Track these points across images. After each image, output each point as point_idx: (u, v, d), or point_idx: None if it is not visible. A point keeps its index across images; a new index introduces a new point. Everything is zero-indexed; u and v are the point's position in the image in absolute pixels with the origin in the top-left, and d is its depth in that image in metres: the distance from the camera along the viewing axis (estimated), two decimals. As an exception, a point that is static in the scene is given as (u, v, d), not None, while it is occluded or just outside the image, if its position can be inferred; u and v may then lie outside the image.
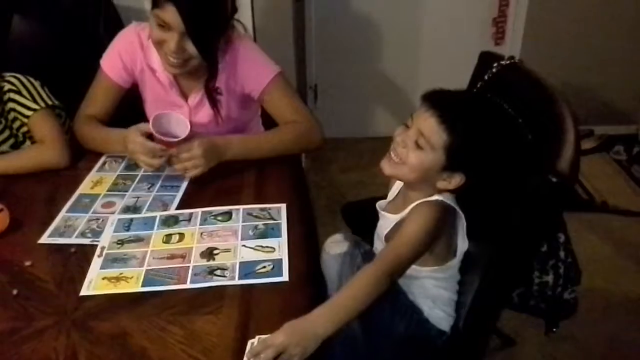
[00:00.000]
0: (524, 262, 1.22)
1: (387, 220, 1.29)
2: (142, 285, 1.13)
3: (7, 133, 1.58)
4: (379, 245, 1.34)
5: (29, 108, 1.53)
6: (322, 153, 2.92)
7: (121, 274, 1.16)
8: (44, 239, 1.28)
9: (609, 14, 2.99)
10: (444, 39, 3.08)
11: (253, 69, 1.55)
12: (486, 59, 1.39)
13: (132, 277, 1.15)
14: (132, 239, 1.26)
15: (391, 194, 1.36)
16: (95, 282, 1.15)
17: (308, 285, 1.13)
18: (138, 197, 1.41)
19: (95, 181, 1.47)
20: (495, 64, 1.32)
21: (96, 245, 1.25)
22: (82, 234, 1.29)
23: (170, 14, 1.35)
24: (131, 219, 1.32)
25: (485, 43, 3.00)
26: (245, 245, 1.23)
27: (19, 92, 1.54)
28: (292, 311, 1.05)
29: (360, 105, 3.30)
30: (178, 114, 1.47)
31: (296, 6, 2.73)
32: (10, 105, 1.53)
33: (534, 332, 1.94)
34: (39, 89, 1.58)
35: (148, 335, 1.03)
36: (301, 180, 1.51)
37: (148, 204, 1.38)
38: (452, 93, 1.18)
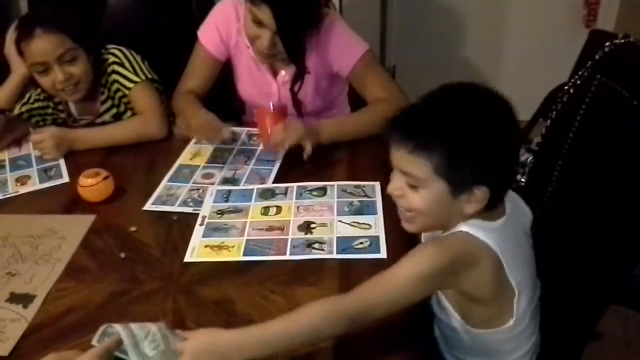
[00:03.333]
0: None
1: None
2: (244, 255, 1.16)
3: (109, 103, 1.65)
4: None
5: (130, 80, 1.58)
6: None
7: (223, 242, 1.19)
8: (148, 206, 1.33)
9: None
10: (530, 23, 2.97)
11: (342, 47, 1.55)
12: (597, 37, 1.32)
13: (234, 246, 1.18)
14: (231, 210, 1.29)
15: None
16: (198, 250, 1.18)
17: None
18: (236, 170, 1.43)
19: (194, 153, 1.51)
20: (607, 43, 1.26)
21: (197, 214, 1.28)
22: (184, 203, 1.32)
23: (265, 14, 1.38)
24: (229, 191, 1.35)
25: (574, 26, 2.88)
26: (342, 220, 1.23)
27: (122, 65, 1.59)
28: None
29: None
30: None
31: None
32: (114, 77, 1.59)
33: (619, 326, 1.88)
34: (140, 62, 1.63)
35: (252, 302, 1.05)
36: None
37: (245, 176, 1.41)
38: (413, 107, 1.00)
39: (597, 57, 1.26)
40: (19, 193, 1.42)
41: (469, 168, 0.93)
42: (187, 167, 1.45)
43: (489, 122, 0.93)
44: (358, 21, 1.81)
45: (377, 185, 1.34)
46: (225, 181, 1.39)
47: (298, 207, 1.28)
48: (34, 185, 1.44)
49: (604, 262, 1.13)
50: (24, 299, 1.10)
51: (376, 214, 1.25)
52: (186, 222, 1.27)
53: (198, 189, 1.37)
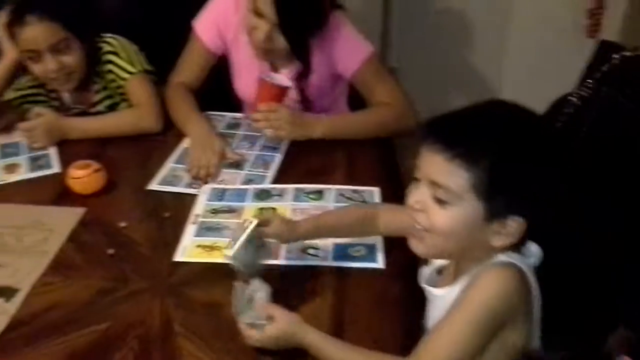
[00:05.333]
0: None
1: (434, 299, 0.95)
2: (236, 257, 1.12)
3: (104, 93, 1.60)
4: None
5: (126, 70, 1.54)
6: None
7: (215, 243, 1.16)
8: (154, 186, 1.32)
9: None
10: (533, 30, 2.95)
11: (347, 48, 1.51)
12: (605, 49, 1.30)
13: (225, 246, 1.14)
14: (225, 210, 1.25)
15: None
16: (190, 250, 1.15)
17: (404, 276, 1.09)
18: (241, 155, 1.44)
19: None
20: (615, 55, 1.24)
21: (188, 213, 1.25)
22: (189, 185, 1.33)
23: (266, 4, 1.34)
24: (224, 190, 1.32)
25: (577, 35, 2.86)
26: (338, 226, 1.20)
27: (117, 54, 1.55)
28: (387, 301, 1.03)
29: (440, 92, 3.21)
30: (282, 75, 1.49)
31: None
32: (109, 66, 1.55)
33: None
34: (136, 52, 1.58)
35: (242, 308, 1.02)
36: (393, 165, 1.47)
37: (252, 163, 1.42)
38: (456, 113, 0.88)
39: (604, 68, 1.23)
40: (6, 182, 1.38)
41: (510, 192, 0.82)
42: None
43: (544, 150, 0.84)
44: (359, 20, 1.78)
45: (376, 191, 1.31)
46: (230, 165, 1.39)
47: (294, 210, 1.25)
48: (23, 174, 1.40)
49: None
50: (6, 292, 1.07)
51: (374, 220, 1.22)
52: (178, 220, 1.23)
53: None
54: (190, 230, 1.20)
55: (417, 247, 0.90)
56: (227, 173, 1.38)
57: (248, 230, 1.00)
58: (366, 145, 1.48)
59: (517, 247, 0.87)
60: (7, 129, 1.52)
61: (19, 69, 1.52)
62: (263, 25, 1.36)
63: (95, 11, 1.58)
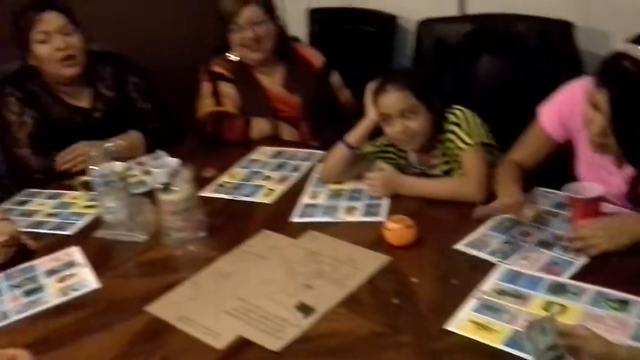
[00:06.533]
0: None
1: None
2: (504, 344, 1.09)
3: (443, 158, 1.74)
4: None
5: (464, 141, 1.64)
6: None
7: (489, 323, 1.15)
8: (460, 245, 1.40)
9: None
10: None
11: None
12: None
13: (498, 331, 1.13)
14: (512, 293, 1.23)
15: None
16: (463, 323, 1.16)
17: None
18: (554, 234, 1.41)
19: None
20: None
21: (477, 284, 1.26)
22: (492, 253, 1.36)
23: (601, 98, 1.27)
24: (519, 272, 1.29)
25: None
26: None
27: (459, 125, 1.66)
28: None
29: None
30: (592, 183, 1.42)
31: None
32: (450, 135, 1.68)
33: None
34: (478, 125, 1.67)
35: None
36: None
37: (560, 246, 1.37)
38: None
39: None
40: (343, 220, 1.62)
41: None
42: (509, 220, 1.46)
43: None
44: None
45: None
46: (541, 244, 1.38)
47: (586, 315, 1.13)
48: (358, 217, 1.62)
49: None
50: (307, 310, 1.27)
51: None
52: (465, 288, 1.26)
53: (512, 243, 1.39)
54: (470, 303, 1.21)
55: None
56: (532, 250, 1.35)
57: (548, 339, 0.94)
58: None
59: None
60: (359, 177, 1.79)
61: (377, 129, 1.77)
62: (598, 118, 1.30)
63: (441, 86, 1.73)
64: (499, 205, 1.45)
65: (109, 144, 1.64)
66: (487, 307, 1.20)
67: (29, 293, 1.43)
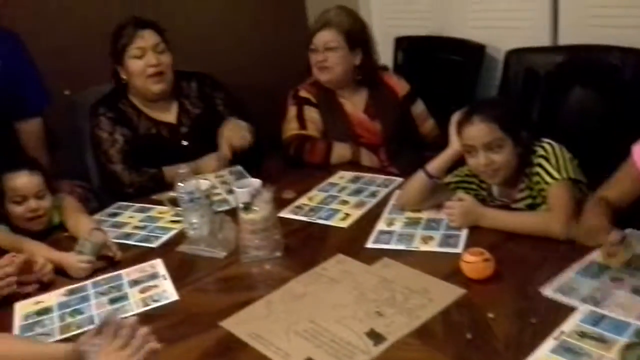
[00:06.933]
0: None
1: None
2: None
3: (527, 192, 1.68)
4: None
5: (551, 176, 1.59)
6: None
7: (566, 366, 1.09)
8: (545, 288, 1.32)
9: None
10: None
11: None
12: None
13: (574, 375, 1.07)
14: (594, 337, 1.16)
15: None
16: (538, 362, 1.11)
17: None
18: None
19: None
20: None
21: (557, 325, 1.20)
22: (583, 299, 1.28)
23: None
24: (603, 316, 1.22)
25: None
26: None
27: (547, 159, 1.61)
28: None
29: None
30: None
31: None
32: (537, 169, 1.62)
33: None
34: (567, 160, 1.61)
35: None
36: None
37: None
38: None
39: None
40: (419, 249, 1.60)
41: None
42: (599, 265, 1.39)
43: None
44: None
45: None
46: (636, 291, 1.29)
47: (676, 366, 1.05)
48: (434, 246, 1.60)
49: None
50: (377, 337, 1.26)
51: None
52: (544, 328, 1.20)
53: (600, 289, 1.31)
54: (549, 343, 1.16)
55: None
56: (626, 297, 1.27)
57: None
58: None
59: None
60: (437, 207, 1.76)
61: (459, 159, 1.74)
62: None
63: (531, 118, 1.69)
64: (586, 228, 1.40)
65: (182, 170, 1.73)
66: (566, 349, 1.14)
67: (113, 301, 1.51)
